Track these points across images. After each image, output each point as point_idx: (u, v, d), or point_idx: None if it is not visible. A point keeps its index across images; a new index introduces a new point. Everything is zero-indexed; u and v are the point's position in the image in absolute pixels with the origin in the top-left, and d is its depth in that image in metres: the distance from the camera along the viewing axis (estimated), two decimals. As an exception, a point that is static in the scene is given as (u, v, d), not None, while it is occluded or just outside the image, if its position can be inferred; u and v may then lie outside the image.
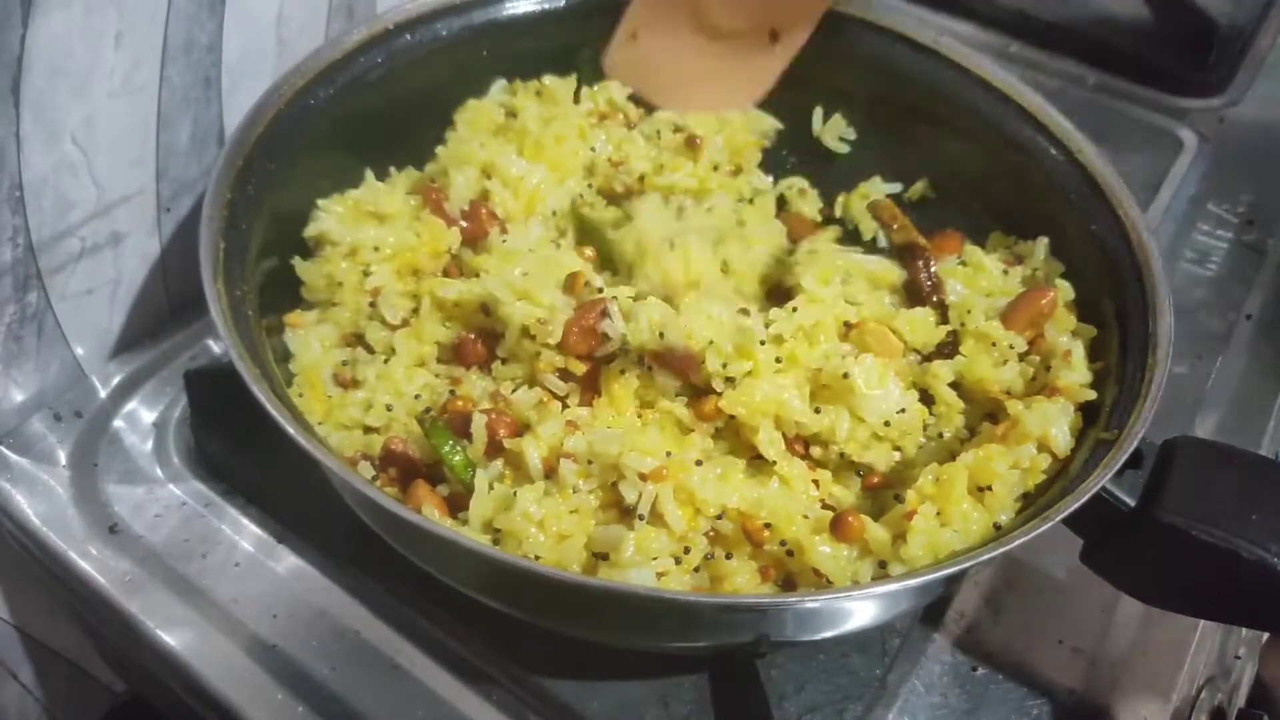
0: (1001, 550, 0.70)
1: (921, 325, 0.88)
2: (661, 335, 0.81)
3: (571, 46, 1.13)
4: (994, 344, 0.87)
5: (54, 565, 0.89)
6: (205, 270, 0.79)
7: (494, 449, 0.81)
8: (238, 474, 0.95)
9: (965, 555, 0.72)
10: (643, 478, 0.75)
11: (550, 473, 0.78)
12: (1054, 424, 0.80)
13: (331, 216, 0.94)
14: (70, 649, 1.13)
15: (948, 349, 0.89)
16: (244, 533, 0.91)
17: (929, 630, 0.88)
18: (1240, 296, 1.22)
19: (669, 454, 0.77)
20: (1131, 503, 0.73)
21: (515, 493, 0.75)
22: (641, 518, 0.74)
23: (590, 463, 0.77)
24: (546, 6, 1.09)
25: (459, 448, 0.81)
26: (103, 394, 1.01)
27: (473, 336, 0.91)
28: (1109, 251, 0.91)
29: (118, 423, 0.99)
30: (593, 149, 1.08)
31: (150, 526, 0.91)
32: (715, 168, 1.08)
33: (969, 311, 0.89)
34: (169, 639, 0.83)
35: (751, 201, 1.10)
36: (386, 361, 0.91)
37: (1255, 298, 1.22)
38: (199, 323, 1.08)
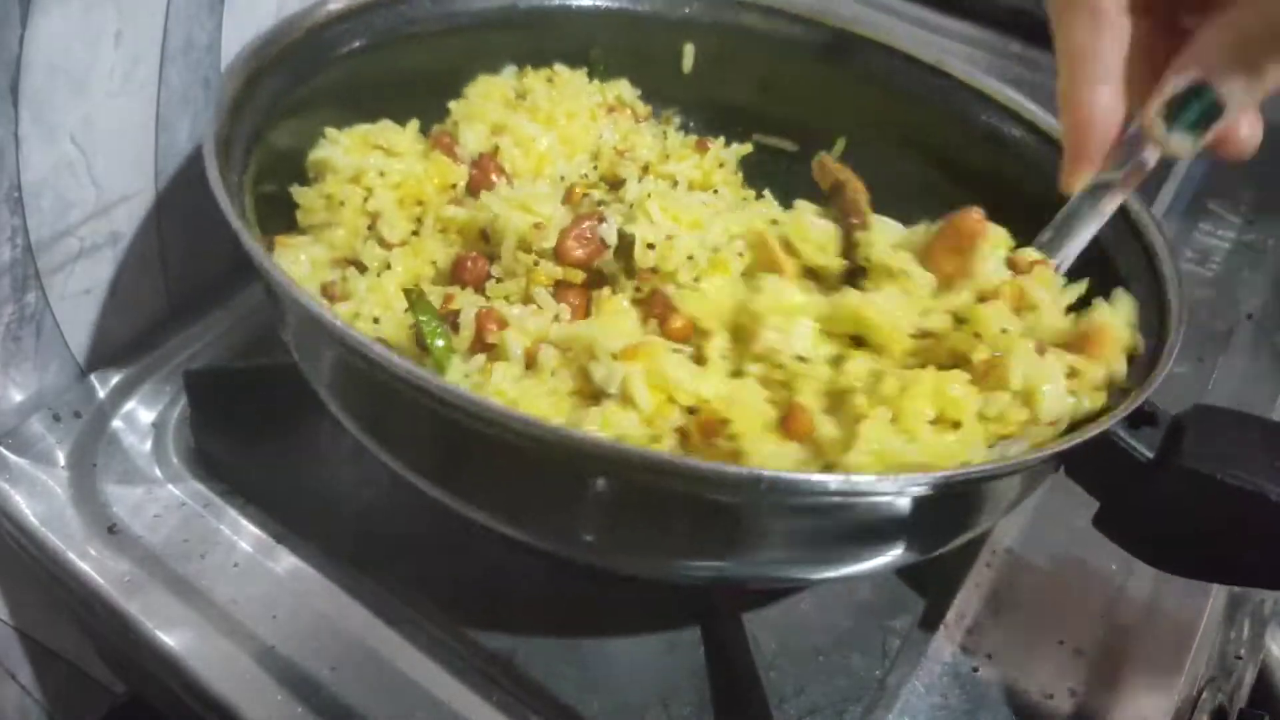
0: (1042, 455, 0.66)
1: (817, 236, 0.78)
2: (651, 246, 0.80)
3: (583, 45, 1.13)
4: (904, 275, 0.75)
5: (53, 566, 0.89)
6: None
7: (480, 345, 0.78)
8: (237, 474, 0.95)
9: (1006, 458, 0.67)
10: (614, 357, 0.72)
11: (530, 363, 0.76)
12: (1048, 380, 0.68)
13: (338, 146, 0.93)
14: (70, 650, 1.13)
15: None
16: (243, 533, 0.91)
17: (929, 631, 0.88)
18: (1240, 296, 1.22)
19: (643, 340, 0.74)
20: (1150, 454, 0.71)
21: (492, 369, 0.74)
22: (611, 395, 0.71)
23: (569, 351, 0.75)
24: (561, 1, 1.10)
25: (444, 332, 0.78)
26: (102, 394, 1.01)
27: (474, 255, 0.88)
28: (1109, 241, 0.89)
29: (116, 423, 0.99)
30: (600, 136, 1.08)
31: (149, 527, 0.90)
32: (721, 165, 1.08)
33: (873, 245, 0.77)
34: (168, 640, 0.83)
35: (759, 198, 1.09)
36: (380, 275, 0.88)
37: (1255, 298, 1.22)
38: (199, 323, 1.08)
